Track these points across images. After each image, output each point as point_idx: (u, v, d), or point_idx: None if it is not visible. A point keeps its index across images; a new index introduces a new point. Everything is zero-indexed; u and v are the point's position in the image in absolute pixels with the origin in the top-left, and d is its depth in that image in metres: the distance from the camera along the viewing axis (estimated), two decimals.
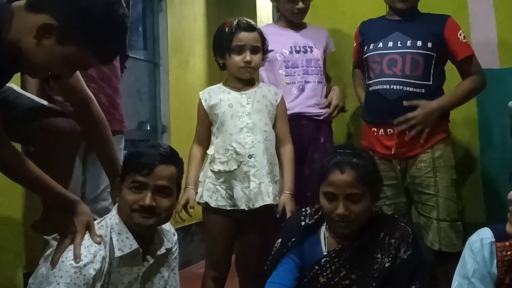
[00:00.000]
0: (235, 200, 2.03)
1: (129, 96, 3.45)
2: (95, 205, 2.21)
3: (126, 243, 1.55)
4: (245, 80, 2.15)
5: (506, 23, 2.54)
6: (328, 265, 1.68)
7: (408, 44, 2.18)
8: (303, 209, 1.82)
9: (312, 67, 2.50)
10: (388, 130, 2.19)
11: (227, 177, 2.05)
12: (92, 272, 1.45)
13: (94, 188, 2.24)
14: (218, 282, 2.12)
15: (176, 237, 1.76)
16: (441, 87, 2.23)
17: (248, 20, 2.15)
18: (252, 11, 4.01)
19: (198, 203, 2.10)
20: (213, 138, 2.13)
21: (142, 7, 3.66)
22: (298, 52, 2.51)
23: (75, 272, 1.42)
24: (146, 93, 3.67)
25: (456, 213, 2.14)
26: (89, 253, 1.47)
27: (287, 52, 2.51)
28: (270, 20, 3.17)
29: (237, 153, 2.04)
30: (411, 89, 2.15)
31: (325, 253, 1.71)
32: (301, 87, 2.47)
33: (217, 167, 2.05)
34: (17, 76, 1.69)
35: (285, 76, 2.48)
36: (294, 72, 2.49)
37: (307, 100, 2.47)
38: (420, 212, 2.19)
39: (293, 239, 1.74)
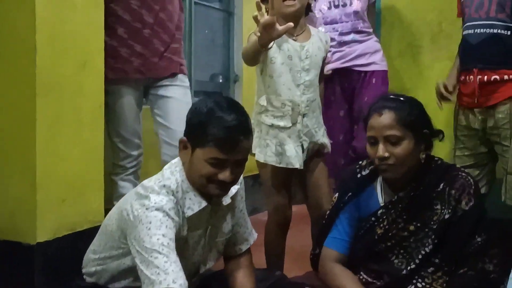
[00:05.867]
0: (288, 158, 1.97)
1: (203, 47, 3.51)
2: (170, 148, 2.22)
3: (194, 201, 1.51)
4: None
5: None
6: (384, 217, 1.67)
7: None
8: (359, 162, 1.81)
9: (352, 21, 2.47)
10: (469, 77, 2.13)
11: (278, 133, 1.98)
12: (176, 217, 1.44)
13: (165, 130, 2.27)
14: (283, 227, 2.13)
15: (241, 177, 1.69)
16: None
17: None
18: None
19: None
20: (264, 86, 2.00)
21: None
22: (336, 7, 2.48)
23: (163, 216, 1.41)
24: (220, 43, 3.71)
25: None
26: (169, 199, 1.46)
27: (326, 8, 2.49)
28: None
29: (293, 110, 1.98)
30: (495, 31, 2.05)
31: (381, 204, 1.69)
32: (342, 41, 2.46)
33: (270, 120, 1.98)
34: None
35: (325, 33, 2.43)
36: (333, 28, 2.47)
37: (349, 54, 2.47)
38: (500, 164, 2.13)
39: (350, 193, 1.74)
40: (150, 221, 1.39)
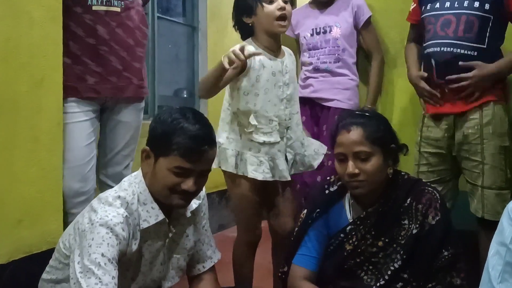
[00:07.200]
0: (280, 172, 1.99)
1: (167, 62, 3.46)
2: (107, 169, 2.24)
3: (151, 214, 1.48)
4: (275, 39, 2.03)
5: None
6: (353, 233, 1.66)
7: (465, 5, 2.07)
8: (327, 178, 1.80)
9: (330, 47, 2.54)
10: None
11: (270, 148, 1.98)
12: (123, 232, 1.39)
13: (108, 151, 2.25)
14: (253, 246, 2.12)
15: (203, 191, 1.67)
16: (498, 50, 2.11)
17: None
18: None
19: (233, 174, 2.01)
20: (249, 104, 1.97)
21: None
22: (318, 33, 2.57)
23: (106, 232, 1.37)
24: (184, 57, 3.68)
25: (503, 181, 2.06)
26: (118, 214, 1.41)
27: (309, 35, 2.59)
28: None
29: (280, 124, 2.01)
30: (462, 51, 2.05)
31: (350, 221, 1.68)
32: (317, 68, 2.54)
33: (261, 138, 1.97)
34: None
35: (308, 58, 2.59)
36: (315, 54, 2.56)
37: (318, 84, 2.54)
38: (467, 179, 2.14)
39: (318, 210, 1.73)
40: (92, 238, 1.36)
